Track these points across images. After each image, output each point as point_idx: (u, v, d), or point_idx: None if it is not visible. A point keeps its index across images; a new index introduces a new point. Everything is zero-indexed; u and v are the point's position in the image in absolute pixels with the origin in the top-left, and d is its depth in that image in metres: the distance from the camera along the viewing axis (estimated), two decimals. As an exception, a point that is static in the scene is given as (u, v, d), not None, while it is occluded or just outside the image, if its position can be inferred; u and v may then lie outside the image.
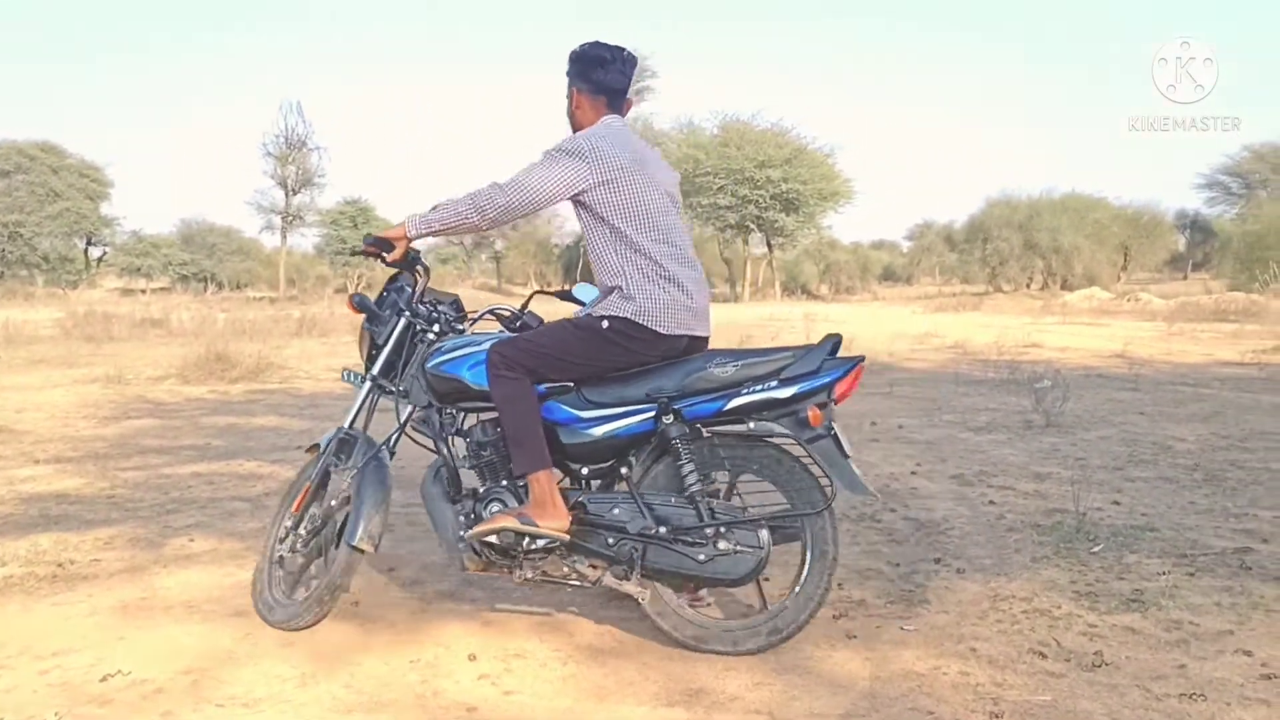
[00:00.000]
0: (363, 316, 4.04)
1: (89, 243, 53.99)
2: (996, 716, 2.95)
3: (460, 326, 3.97)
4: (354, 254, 3.90)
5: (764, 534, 3.41)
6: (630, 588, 3.45)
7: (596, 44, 3.68)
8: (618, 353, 3.48)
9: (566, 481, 3.62)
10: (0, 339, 17.86)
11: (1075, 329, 20.25)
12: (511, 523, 3.38)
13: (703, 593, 3.78)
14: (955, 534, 4.96)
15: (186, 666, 3.36)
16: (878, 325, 21.73)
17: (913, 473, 6.37)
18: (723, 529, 3.40)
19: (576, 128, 3.68)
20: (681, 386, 3.48)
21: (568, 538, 3.41)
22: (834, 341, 3.60)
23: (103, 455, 7.12)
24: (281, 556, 3.86)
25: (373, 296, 4.04)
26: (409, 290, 3.91)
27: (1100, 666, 3.31)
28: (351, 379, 4.13)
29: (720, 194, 41.18)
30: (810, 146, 42.53)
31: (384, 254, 3.69)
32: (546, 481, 3.40)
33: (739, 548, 3.39)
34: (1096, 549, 4.60)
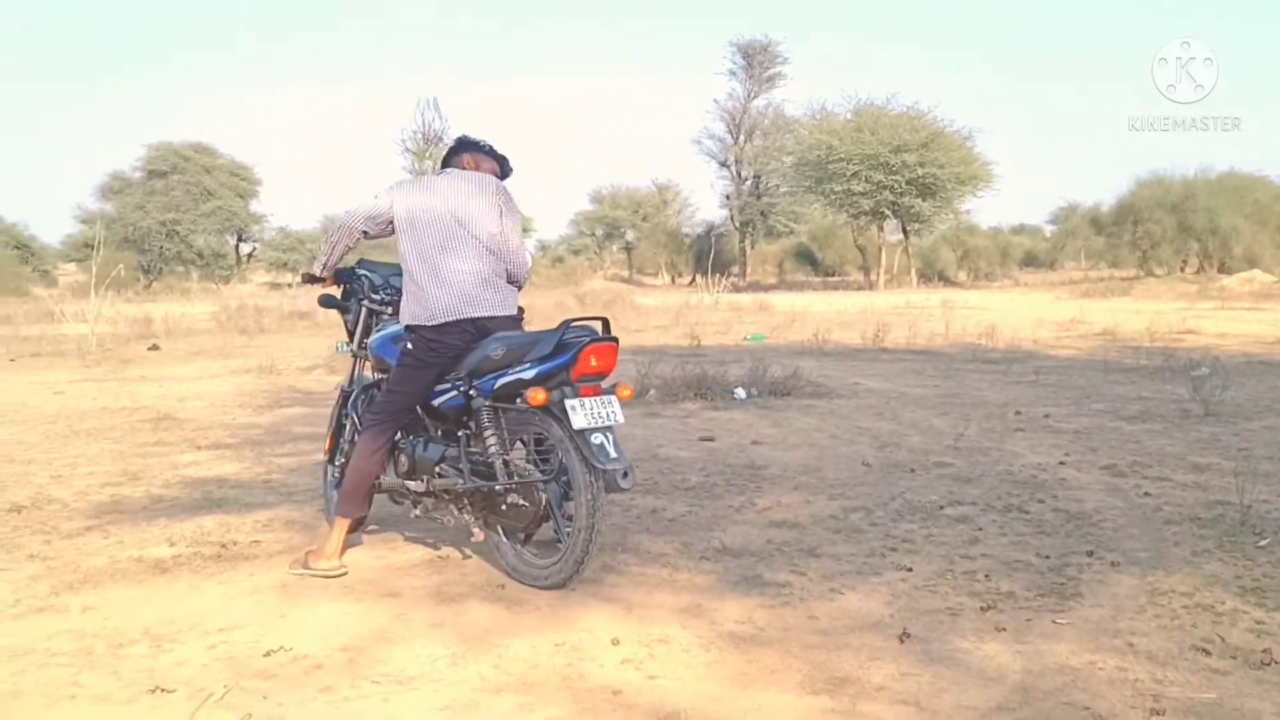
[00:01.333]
0: (335, 310, 5.15)
1: (240, 239, 56.37)
2: (1158, 714, 2.84)
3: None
4: (304, 281, 4.75)
5: (539, 493, 4.02)
6: (474, 527, 4.22)
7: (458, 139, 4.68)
8: (421, 354, 4.29)
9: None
10: (162, 332, 18.81)
11: (1235, 314, 19.30)
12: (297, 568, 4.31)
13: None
14: (1108, 526, 4.79)
15: (343, 644, 3.48)
16: (1019, 312, 21.13)
17: (1061, 463, 6.17)
18: (513, 485, 4.05)
19: None
20: (474, 368, 4.20)
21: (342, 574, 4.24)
22: (568, 327, 4.07)
23: (258, 442, 7.43)
24: (335, 477, 4.94)
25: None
26: (366, 281, 4.98)
27: (1269, 665, 3.15)
28: (342, 349, 5.24)
29: (854, 180, 40.51)
30: (948, 129, 41.49)
31: (320, 282, 4.87)
32: (339, 528, 4.34)
33: (522, 502, 4.03)
34: (1263, 543, 4.38)
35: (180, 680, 3.21)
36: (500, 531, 4.23)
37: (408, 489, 4.44)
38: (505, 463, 4.12)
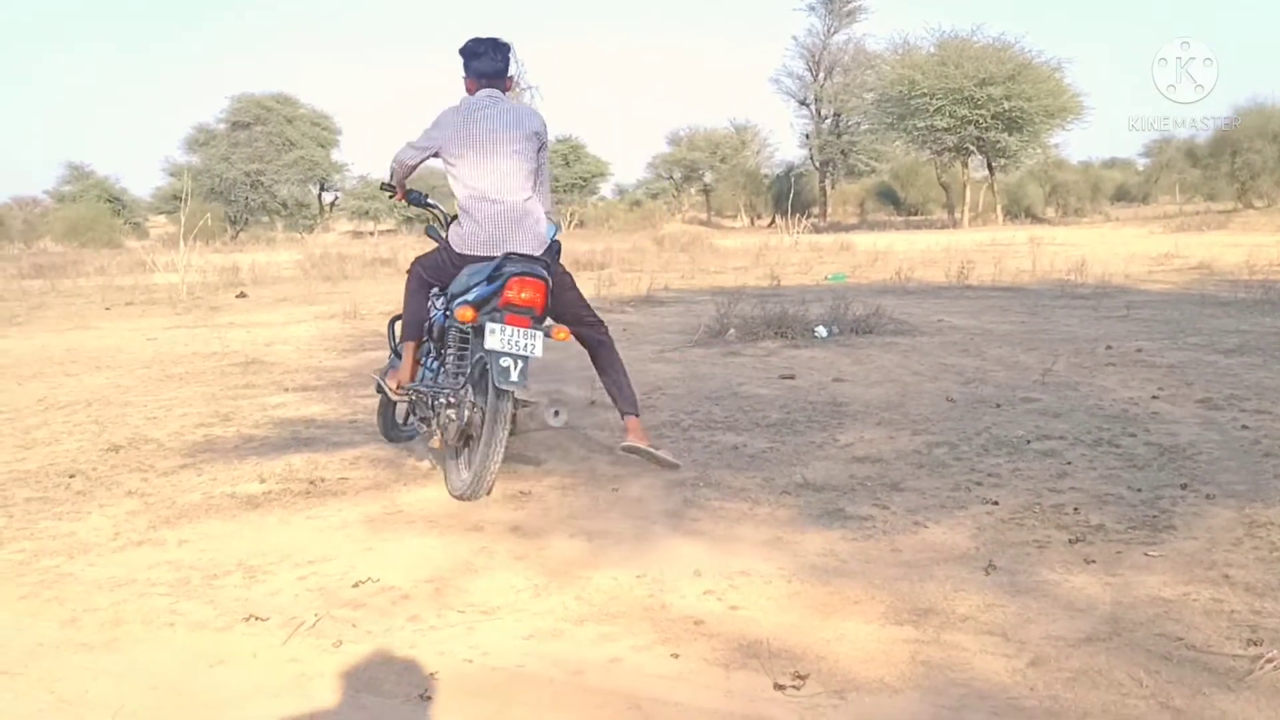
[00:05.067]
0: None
1: (322, 188, 57.15)
2: (1255, 644, 2.76)
3: None
4: (381, 189, 4.99)
5: (465, 409, 4.41)
6: (434, 435, 4.78)
7: (472, 40, 4.79)
8: (444, 263, 4.75)
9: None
10: (249, 280, 19.21)
11: (1338, 245, 18.52)
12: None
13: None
14: (1203, 459, 4.65)
15: (429, 575, 3.54)
16: (1110, 247, 20.55)
17: (1154, 397, 6.00)
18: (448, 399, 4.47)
19: None
20: (451, 292, 4.65)
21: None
22: (506, 259, 4.42)
23: (343, 384, 7.56)
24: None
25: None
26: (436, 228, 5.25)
27: (1375, 598, 3.04)
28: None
29: (937, 115, 39.40)
30: (1036, 60, 40.07)
31: (393, 192, 5.24)
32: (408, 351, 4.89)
33: (451, 414, 4.43)
34: (1368, 475, 4.22)
35: (273, 609, 3.30)
36: (443, 441, 4.63)
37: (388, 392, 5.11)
38: (440, 376, 4.71)
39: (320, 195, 57.28)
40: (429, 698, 2.70)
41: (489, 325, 4.27)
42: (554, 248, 4.83)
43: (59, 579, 3.66)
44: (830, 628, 3.03)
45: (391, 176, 5.09)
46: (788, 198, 44.88)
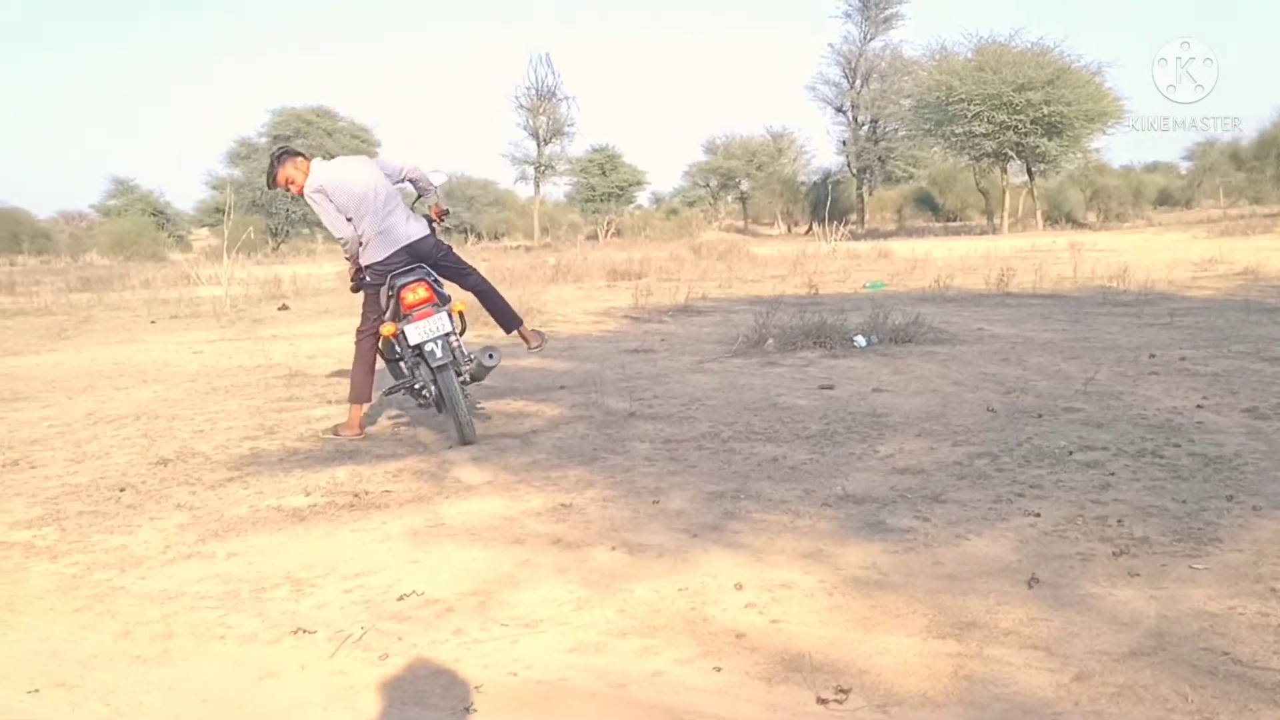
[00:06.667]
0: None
1: (361, 200, 57.59)
2: (1305, 661, 2.73)
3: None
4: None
5: (432, 387, 5.81)
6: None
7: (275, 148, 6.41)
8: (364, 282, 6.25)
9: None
10: (290, 292, 19.42)
11: (1387, 249, 18.21)
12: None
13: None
14: (1249, 470, 4.60)
15: (473, 588, 3.58)
16: (1152, 253, 20.32)
17: (1199, 406, 5.94)
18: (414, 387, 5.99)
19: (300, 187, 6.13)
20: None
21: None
22: (394, 280, 5.96)
23: (385, 396, 7.62)
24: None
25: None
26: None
27: None
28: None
29: (976, 121, 39.19)
30: (1076, 64, 39.71)
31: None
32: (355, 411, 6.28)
33: (424, 395, 5.95)
34: None
35: (320, 622, 3.35)
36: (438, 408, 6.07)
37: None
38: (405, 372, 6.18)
39: (359, 207, 57.73)
40: (474, 710, 2.73)
41: (405, 328, 5.73)
42: (429, 236, 6.14)
43: (111, 592, 3.73)
44: (872, 641, 3.04)
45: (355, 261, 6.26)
46: (825, 205, 44.81)
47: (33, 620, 3.53)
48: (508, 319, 6.42)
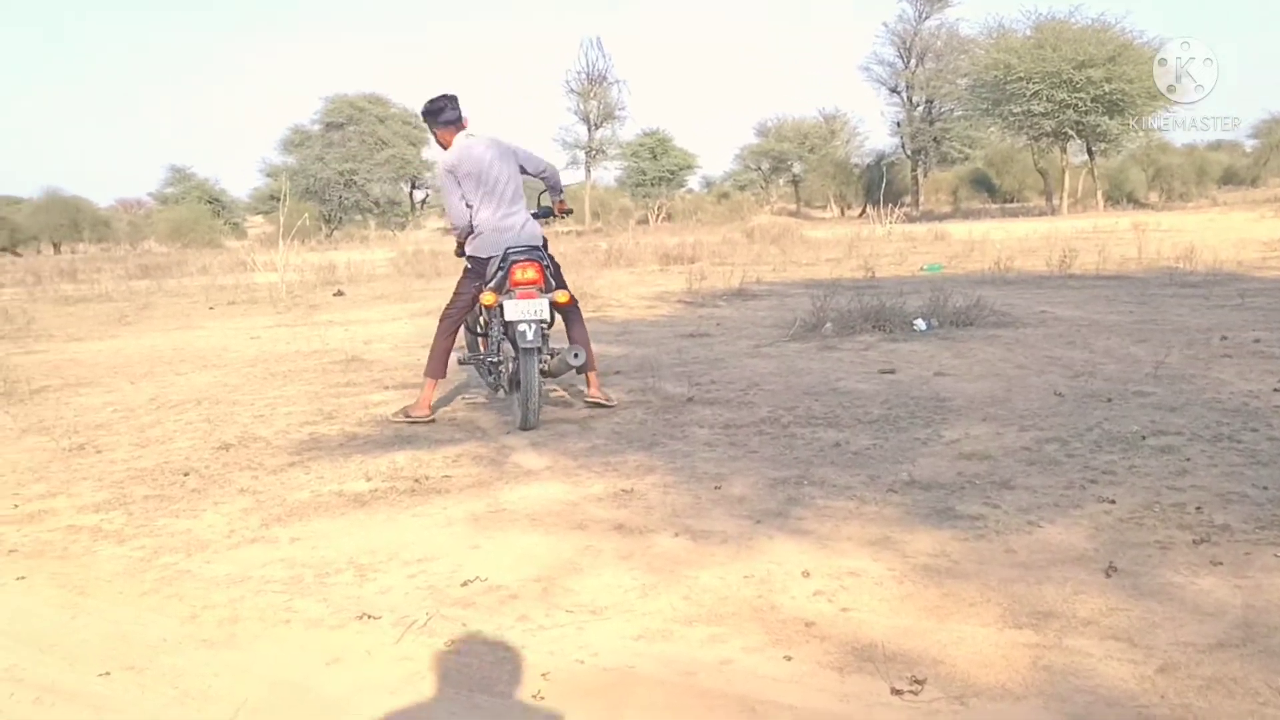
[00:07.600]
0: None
1: (413, 186, 58.07)
2: (1404, 655, 2.62)
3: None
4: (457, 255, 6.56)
5: (506, 365, 5.99)
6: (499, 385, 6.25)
7: (432, 99, 6.17)
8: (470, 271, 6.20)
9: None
10: (345, 278, 19.58)
11: None
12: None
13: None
14: (1333, 455, 4.45)
15: (536, 574, 3.55)
16: (1219, 233, 19.86)
17: (1276, 389, 5.77)
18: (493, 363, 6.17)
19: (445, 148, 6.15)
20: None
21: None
22: (508, 253, 5.91)
23: (442, 381, 7.63)
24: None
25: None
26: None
27: None
28: None
29: (1034, 100, 38.44)
30: (1138, 41, 38.80)
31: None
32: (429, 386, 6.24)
33: (499, 368, 6.08)
34: None
35: (385, 607, 3.34)
36: (504, 389, 6.16)
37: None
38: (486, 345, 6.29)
39: (411, 193, 58.21)
40: (542, 697, 2.70)
41: (505, 302, 5.76)
42: (544, 244, 6.17)
43: (178, 576, 3.75)
44: (946, 631, 2.96)
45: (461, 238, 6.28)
46: (879, 187, 44.24)
47: (102, 603, 3.56)
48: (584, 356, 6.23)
